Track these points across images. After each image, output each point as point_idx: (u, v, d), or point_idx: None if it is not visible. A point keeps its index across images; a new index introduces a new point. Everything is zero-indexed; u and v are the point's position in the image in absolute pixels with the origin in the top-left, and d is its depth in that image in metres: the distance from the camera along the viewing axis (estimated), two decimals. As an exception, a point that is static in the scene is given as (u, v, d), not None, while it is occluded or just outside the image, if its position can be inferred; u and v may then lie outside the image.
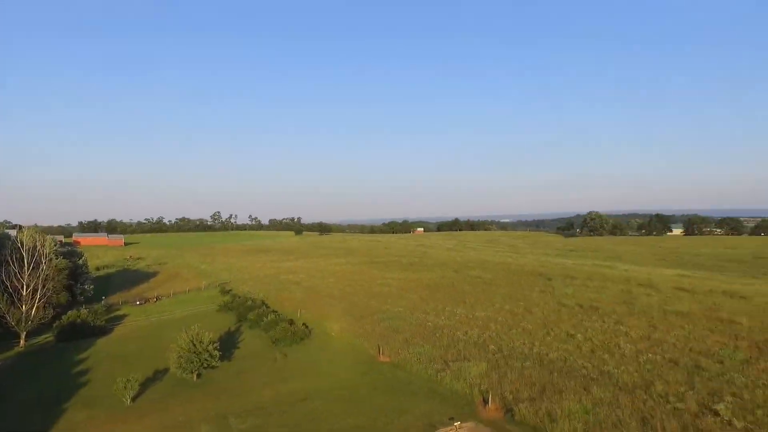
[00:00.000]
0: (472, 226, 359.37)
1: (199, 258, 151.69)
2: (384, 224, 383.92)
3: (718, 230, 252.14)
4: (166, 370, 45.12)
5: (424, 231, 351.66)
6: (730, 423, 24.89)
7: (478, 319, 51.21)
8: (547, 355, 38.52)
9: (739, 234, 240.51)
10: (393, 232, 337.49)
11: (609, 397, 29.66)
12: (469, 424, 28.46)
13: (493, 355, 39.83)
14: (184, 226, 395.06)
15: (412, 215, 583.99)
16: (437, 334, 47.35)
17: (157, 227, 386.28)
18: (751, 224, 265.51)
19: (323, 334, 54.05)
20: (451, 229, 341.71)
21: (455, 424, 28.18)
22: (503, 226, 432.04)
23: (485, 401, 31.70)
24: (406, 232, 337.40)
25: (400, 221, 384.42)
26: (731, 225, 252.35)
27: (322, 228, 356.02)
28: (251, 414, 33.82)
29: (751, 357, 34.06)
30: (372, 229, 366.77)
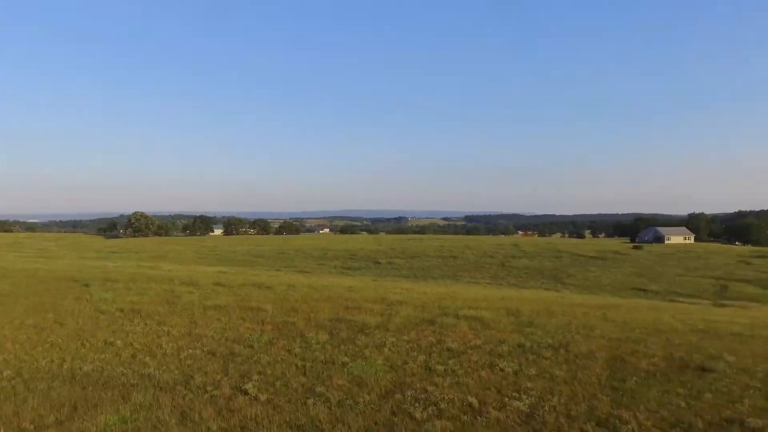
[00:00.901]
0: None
1: None
2: None
3: (252, 230, 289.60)
4: None
5: None
6: (256, 398, 28.23)
7: (-12, 341, 41.33)
8: (81, 368, 34.17)
9: (267, 233, 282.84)
10: None
11: (149, 399, 28.66)
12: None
13: (9, 382, 32.68)
14: None
15: None
16: None
17: None
18: (276, 225, 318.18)
19: None
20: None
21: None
22: (31, 227, 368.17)
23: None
24: None
25: None
26: (261, 225, 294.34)
27: None
28: None
29: (273, 338, 39.54)
30: None
